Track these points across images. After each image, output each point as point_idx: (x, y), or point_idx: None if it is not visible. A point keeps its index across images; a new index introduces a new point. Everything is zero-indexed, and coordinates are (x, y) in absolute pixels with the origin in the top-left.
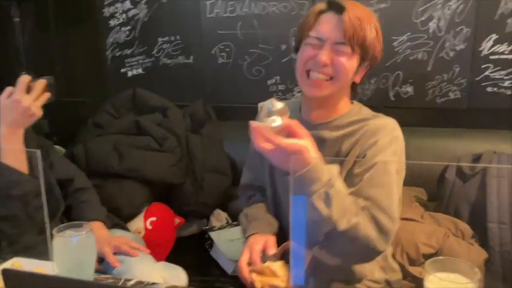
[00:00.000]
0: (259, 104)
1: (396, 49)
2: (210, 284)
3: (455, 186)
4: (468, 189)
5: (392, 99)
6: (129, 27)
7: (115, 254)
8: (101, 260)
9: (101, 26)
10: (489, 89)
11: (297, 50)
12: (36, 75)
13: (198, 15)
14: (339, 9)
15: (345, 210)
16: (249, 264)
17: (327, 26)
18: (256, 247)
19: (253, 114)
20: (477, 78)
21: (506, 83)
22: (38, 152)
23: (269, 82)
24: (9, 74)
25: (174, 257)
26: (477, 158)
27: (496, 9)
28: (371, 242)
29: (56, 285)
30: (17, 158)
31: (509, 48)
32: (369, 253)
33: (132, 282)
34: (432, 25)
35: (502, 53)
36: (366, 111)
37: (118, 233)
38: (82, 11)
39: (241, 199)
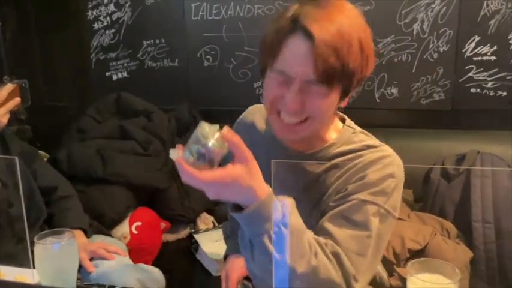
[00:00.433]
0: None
1: (381, 51)
2: (195, 286)
3: (440, 186)
4: (453, 189)
5: (378, 100)
6: (113, 30)
7: (92, 259)
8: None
9: (84, 29)
10: (473, 90)
11: (262, 73)
12: (18, 78)
13: (182, 18)
14: (308, 35)
15: (303, 251)
16: None
17: (293, 57)
18: (233, 275)
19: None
20: (461, 80)
21: (489, 84)
22: (16, 159)
23: (255, 85)
24: None
25: (160, 262)
26: (461, 158)
27: (478, 11)
28: (336, 286)
29: None
30: None
31: (492, 49)
32: None
33: None
34: (416, 27)
35: (485, 54)
36: (359, 139)
37: (98, 239)
38: (65, 14)
39: (227, 204)
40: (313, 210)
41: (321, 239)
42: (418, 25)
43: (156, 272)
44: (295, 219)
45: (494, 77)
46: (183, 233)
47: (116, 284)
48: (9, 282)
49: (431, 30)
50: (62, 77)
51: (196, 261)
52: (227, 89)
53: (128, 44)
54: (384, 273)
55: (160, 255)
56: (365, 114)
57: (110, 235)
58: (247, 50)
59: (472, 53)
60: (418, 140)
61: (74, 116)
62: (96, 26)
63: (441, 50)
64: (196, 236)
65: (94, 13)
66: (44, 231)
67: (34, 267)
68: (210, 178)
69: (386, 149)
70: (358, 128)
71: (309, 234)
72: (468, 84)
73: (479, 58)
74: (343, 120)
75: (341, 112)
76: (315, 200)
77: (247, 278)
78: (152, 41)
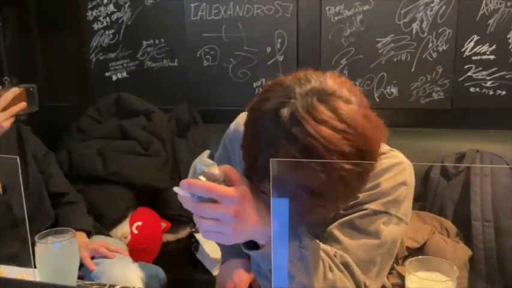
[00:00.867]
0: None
1: (380, 51)
2: (196, 286)
3: (439, 185)
4: (452, 188)
5: (377, 100)
6: (113, 31)
7: (93, 258)
8: (80, 265)
9: (84, 30)
10: (472, 89)
11: None
12: (20, 81)
13: (182, 18)
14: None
15: (319, 268)
16: None
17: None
18: (229, 286)
19: None
20: (460, 79)
21: (489, 83)
22: (17, 159)
23: (255, 84)
24: None
25: (161, 261)
26: (460, 157)
27: (477, 11)
28: None
29: None
30: None
31: (491, 48)
32: None
33: None
34: (415, 26)
35: (484, 53)
36: (383, 164)
37: (99, 239)
38: (65, 14)
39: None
40: (327, 218)
41: (330, 249)
42: (417, 24)
43: (158, 270)
44: (307, 235)
45: (493, 76)
46: (184, 233)
47: (117, 281)
48: (10, 279)
49: (431, 30)
50: (62, 78)
51: (196, 260)
52: (226, 88)
53: (128, 44)
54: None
55: (161, 255)
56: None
57: (110, 235)
58: (247, 49)
59: (471, 52)
60: (418, 139)
61: (74, 116)
62: (95, 26)
63: (440, 49)
64: (197, 236)
65: (94, 13)
66: (45, 231)
67: (35, 267)
68: (209, 210)
69: (397, 155)
70: None
71: (321, 247)
72: (467, 84)
73: (478, 57)
74: None
75: None
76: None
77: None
78: (152, 41)
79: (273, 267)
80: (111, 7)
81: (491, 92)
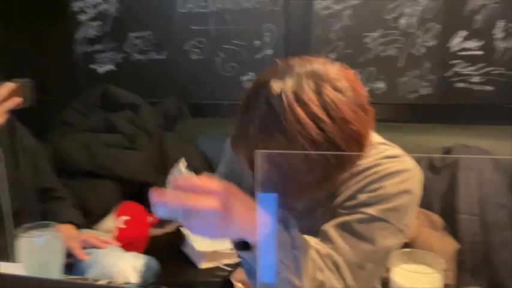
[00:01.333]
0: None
1: (368, 45)
2: (183, 279)
3: (426, 179)
4: (439, 182)
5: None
6: (99, 22)
7: (84, 248)
8: (70, 254)
9: (69, 21)
10: (459, 85)
11: None
12: (3, 73)
13: (170, 10)
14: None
15: (309, 267)
16: None
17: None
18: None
19: (228, 110)
20: (447, 74)
21: (475, 79)
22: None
23: (243, 78)
24: None
25: (148, 255)
26: (447, 152)
27: (464, 6)
28: None
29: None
30: None
31: (478, 44)
32: None
33: (101, 282)
34: (403, 22)
35: (471, 49)
36: (378, 151)
37: (85, 232)
38: (49, 5)
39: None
40: (324, 215)
41: (322, 249)
42: (405, 19)
43: (151, 260)
44: (300, 236)
45: (480, 72)
46: (171, 227)
47: (110, 271)
48: None
49: (418, 25)
50: (47, 70)
51: (184, 254)
52: (214, 82)
53: (114, 36)
54: None
55: (148, 249)
56: None
57: (96, 230)
58: (235, 43)
59: (458, 48)
60: (405, 134)
61: (59, 109)
62: (82, 17)
63: (428, 44)
64: (183, 229)
65: (79, 4)
66: (28, 224)
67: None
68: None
69: (407, 161)
70: (377, 140)
71: (313, 247)
72: (454, 79)
73: (466, 53)
74: None
75: None
76: (326, 204)
77: None
78: (139, 33)
79: (260, 263)
80: None
81: (478, 88)
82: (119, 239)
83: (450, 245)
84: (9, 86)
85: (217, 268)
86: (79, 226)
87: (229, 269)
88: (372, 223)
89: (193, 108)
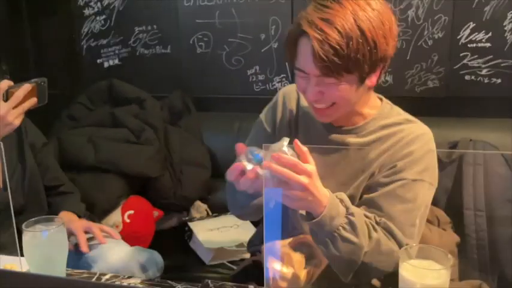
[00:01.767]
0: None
1: None
2: (189, 274)
3: None
4: (445, 177)
5: None
6: (104, 17)
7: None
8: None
9: (75, 16)
10: (467, 77)
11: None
12: (10, 67)
13: (175, 4)
14: (308, 37)
15: (365, 229)
16: None
17: (304, 57)
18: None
19: (233, 105)
20: (455, 67)
21: (484, 71)
22: (0, 144)
23: (249, 72)
24: None
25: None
26: (453, 146)
27: None
28: (395, 254)
29: (26, 283)
30: None
31: (487, 36)
32: (391, 266)
33: (107, 277)
34: (411, 13)
35: (480, 41)
36: (397, 112)
37: None
38: (55, 0)
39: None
40: (355, 179)
41: (372, 216)
42: (413, 11)
43: (156, 255)
44: (352, 206)
45: (488, 64)
46: (176, 222)
47: (115, 266)
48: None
49: (426, 17)
50: (53, 64)
51: (189, 249)
52: (220, 76)
53: (120, 30)
54: None
55: (153, 243)
56: None
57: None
58: (241, 36)
59: (466, 40)
60: None
61: (65, 104)
62: (86, 12)
63: (436, 36)
64: (190, 224)
65: None
66: (33, 219)
67: (22, 255)
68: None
69: (422, 125)
70: (393, 105)
71: (364, 212)
72: (463, 72)
73: (474, 45)
74: (380, 99)
75: None
76: (356, 172)
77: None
78: (144, 27)
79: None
80: None
81: (486, 80)
82: (124, 233)
83: (450, 238)
84: (25, 87)
85: (222, 265)
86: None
87: (233, 266)
88: (412, 186)
89: (199, 103)
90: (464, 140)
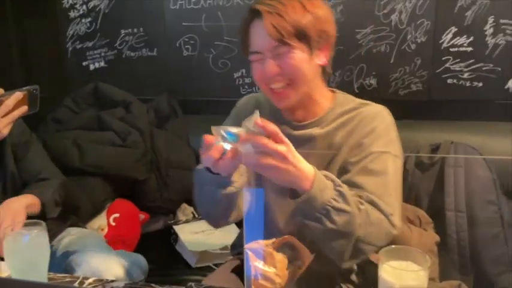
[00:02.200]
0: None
1: (360, 41)
2: (174, 278)
3: (414, 177)
4: (427, 179)
5: (357, 91)
6: (90, 19)
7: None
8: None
9: (60, 18)
10: (449, 81)
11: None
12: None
13: (161, 6)
14: (258, 15)
15: (355, 200)
16: None
17: (257, 37)
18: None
19: (220, 108)
20: (438, 70)
21: (466, 75)
22: None
23: (235, 75)
24: None
25: (139, 253)
26: (435, 149)
27: (455, 3)
28: (384, 223)
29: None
30: None
31: (468, 40)
32: (383, 237)
33: (90, 281)
34: (394, 18)
35: (462, 45)
36: (352, 99)
37: (74, 231)
38: (40, 2)
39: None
40: (328, 166)
41: (354, 193)
42: (396, 16)
43: (140, 258)
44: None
45: (470, 68)
46: (162, 224)
47: (98, 269)
48: None
49: (409, 21)
50: (38, 67)
51: (175, 252)
52: (207, 79)
53: (105, 33)
54: None
55: (139, 246)
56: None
57: (85, 227)
58: (227, 39)
59: (448, 44)
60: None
61: (50, 107)
62: (72, 14)
63: (419, 41)
64: (175, 228)
65: (70, 1)
66: None
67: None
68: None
69: (377, 105)
70: (346, 93)
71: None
72: (445, 75)
73: (456, 49)
74: (333, 92)
75: None
76: (327, 159)
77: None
78: (130, 30)
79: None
80: None
81: (468, 84)
82: (109, 236)
83: (430, 238)
84: (16, 96)
85: (209, 268)
86: (45, 206)
87: None
88: (381, 158)
89: (185, 106)
90: (446, 142)
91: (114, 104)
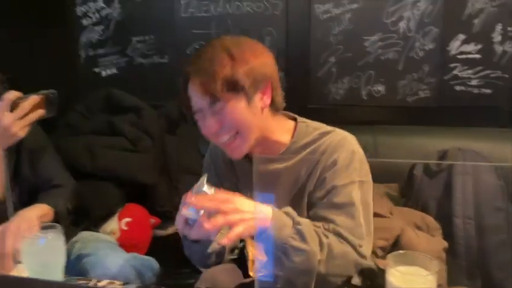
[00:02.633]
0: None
1: (368, 49)
2: (184, 281)
3: (422, 183)
4: (434, 186)
5: (365, 98)
6: (102, 27)
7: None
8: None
9: (73, 26)
10: (457, 88)
11: None
12: (6, 77)
13: (172, 14)
14: (190, 80)
15: (315, 237)
16: None
17: (194, 95)
18: None
19: None
20: (446, 77)
21: (474, 82)
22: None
23: None
24: None
25: (149, 256)
26: (443, 155)
27: (463, 10)
28: (350, 255)
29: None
30: None
31: (476, 47)
32: (351, 268)
33: (103, 283)
34: (402, 25)
35: (469, 52)
36: (313, 128)
37: (86, 234)
38: (54, 10)
39: None
40: (294, 200)
41: (321, 225)
42: (405, 23)
43: (151, 261)
44: (298, 216)
45: (478, 75)
46: (173, 229)
47: (111, 271)
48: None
49: (417, 29)
50: (51, 73)
51: (185, 257)
52: None
53: (117, 40)
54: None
55: (150, 251)
56: (352, 111)
57: (98, 231)
58: None
59: (456, 51)
60: (404, 136)
61: (63, 112)
62: (85, 22)
63: (427, 48)
64: None
65: (83, 9)
66: None
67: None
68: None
69: (339, 132)
70: (308, 121)
71: (310, 222)
72: (453, 82)
73: (464, 56)
74: (294, 119)
75: (320, 111)
76: (294, 191)
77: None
78: (141, 37)
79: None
80: (100, 3)
81: (476, 91)
82: (121, 240)
83: (438, 244)
84: (33, 99)
85: None
86: (58, 214)
87: None
88: (344, 190)
89: None
90: (453, 149)
91: (126, 110)
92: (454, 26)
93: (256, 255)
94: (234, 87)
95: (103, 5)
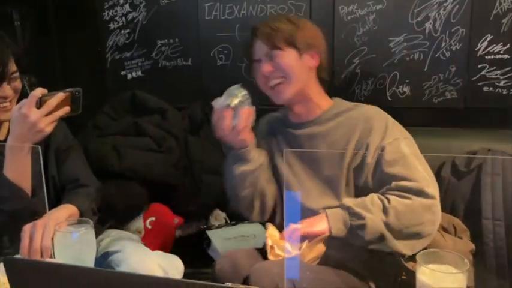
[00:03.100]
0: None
1: (393, 50)
2: (207, 280)
3: (450, 184)
4: (463, 186)
5: (390, 99)
6: (128, 30)
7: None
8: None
9: (100, 29)
10: (485, 89)
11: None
12: (37, 80)
13: (196, 17)
14: (256, 33)
15: (371, 207)
16: None
17: (256, 46)
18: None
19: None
20: (473, 78)
21: (502, 83)
22: (39, 148)
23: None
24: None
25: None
26: (472, 157)
27: (491, 10)
28: (415, 203)
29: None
30: (19, 173)
31: (505, 48)
32: (423, 213)
33: None
34: (428, 26)
35: (498, 52)
36: (349, 103)
37: (113, 233)
38: (82, 14)
39: None
40: (335, 164)
41: (385, 187)
42: (431, 24)
43: (176, 259)
44: (351, 203)
45: (506, 76)
46: (196, 229)
47: (137, 269)
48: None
49: (444, 29)
50: (79, 76)
51: (208, 256)
52: None
53: (143, 43)
54: None
55: (174, 250)
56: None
57: (124, 230)
58: None
59: (484, 52)
60: (430, 138)
61: (91, 113)
62: (111, 26)
63: (453, 48)
64: (208, 233)
65: (110, 13)
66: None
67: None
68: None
69: (370, 105)
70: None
71: (368, 201)
72: (481, 83)
73: (492, 57)
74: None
75: None
76: (336, 157)
77: None
78: (166, 40)
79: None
80: (126, 7)
81: (504, 92)
82: (145, 239)
83: (465, 246)
84: (59, 96)
85: None
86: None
87: None
88: (390, 148)
89: None
90: (483, 150)
91: (151, 111)
92: (481, 26)
93: (277, 241)
94: (289, 41)
95: (129, 9)
